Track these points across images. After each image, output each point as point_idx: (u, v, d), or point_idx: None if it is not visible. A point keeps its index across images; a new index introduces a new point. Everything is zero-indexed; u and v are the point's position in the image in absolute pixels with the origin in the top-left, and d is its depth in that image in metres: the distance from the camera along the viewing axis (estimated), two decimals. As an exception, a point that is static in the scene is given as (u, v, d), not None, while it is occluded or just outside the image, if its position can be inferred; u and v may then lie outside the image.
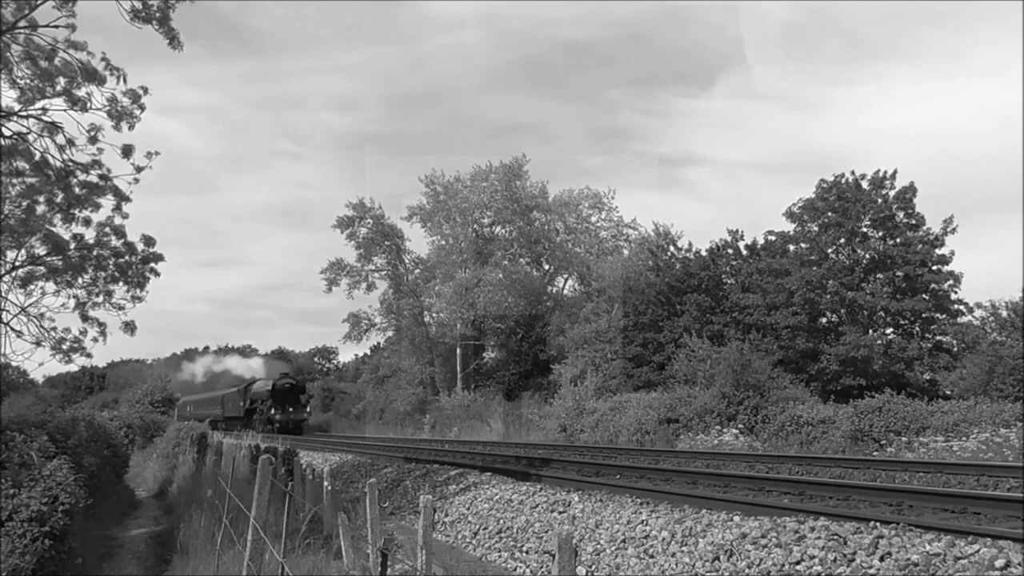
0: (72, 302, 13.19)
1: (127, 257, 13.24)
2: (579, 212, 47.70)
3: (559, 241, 47.95)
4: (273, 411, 45.51)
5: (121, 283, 13.32)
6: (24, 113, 11.44)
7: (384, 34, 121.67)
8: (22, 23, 10.82)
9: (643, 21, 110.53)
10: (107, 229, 12.99)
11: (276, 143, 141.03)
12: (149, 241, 13.49)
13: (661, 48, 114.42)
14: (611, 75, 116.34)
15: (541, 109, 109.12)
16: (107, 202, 12.71)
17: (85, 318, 13.29)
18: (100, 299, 13.34)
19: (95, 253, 12.99)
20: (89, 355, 13.46)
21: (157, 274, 13.69)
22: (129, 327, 13.47)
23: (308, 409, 48.29)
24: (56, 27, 10.89)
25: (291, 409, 46.12)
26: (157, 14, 10.88)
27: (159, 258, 13.67)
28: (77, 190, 12.23)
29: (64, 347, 13.16)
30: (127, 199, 12.71)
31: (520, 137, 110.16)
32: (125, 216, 12.96)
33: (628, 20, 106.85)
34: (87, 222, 12.74)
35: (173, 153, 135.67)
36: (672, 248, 37.50)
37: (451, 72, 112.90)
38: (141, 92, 11.92)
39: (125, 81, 11.45)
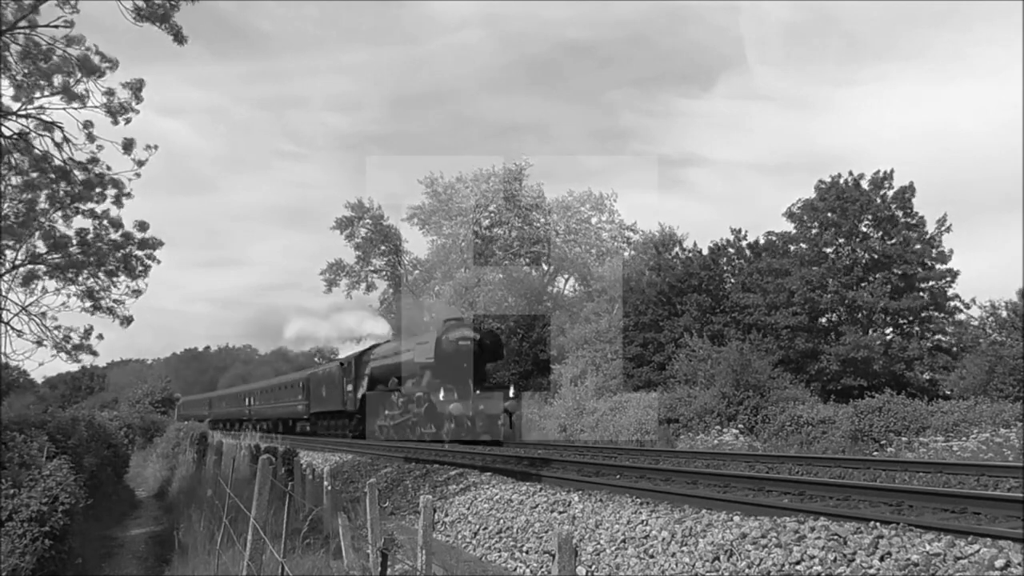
0: (74, 300, 13.20)
1: (126, 249, 13.21)
2: (580, 214, 47.68)
3: (559, 243, 47.92)
4: (443, 395, 23.25)
5: (121, 276, 13.29)
6: (23, 112, 11.44)
7: (386, 34, 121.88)
8: (22, 22, 10.83)
9: (644, 22, 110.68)
10: (105, 222, 12.98)
11: (277, 143, 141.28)
12: (143, 226, 13.41)
13: (662, 49, 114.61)
14: (612, 76, 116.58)
15: (542, 109, 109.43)
16: (107, 197, 12.73)
17: (98, 308, 13.26)
18: (101, 290, 13.35)
19: (97, 247, 12.98)
20: (95, 352, 13.47)
21: (158, 261, 13.65)
22: (127, 321, 13.48)
23: (512, 390, 24.75)
24: (56, 26, 10.90)
25: (478, 392, 23.91)
26: (160, 12, 10.86)
27: (158, 244, 13.60)
28: (78, 188, 12.24)
29: (69, 346, 13.16)
30: (128, 195, 12.72)
31: (521, 137, 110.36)
32: (121, 206, 12.94)
33: (629, 21, 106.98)
34: (92, 214, 12.74)
35: (174, 153, 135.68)
36: (678, 248, 37.53)
37: (453, 72, 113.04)
38: (138, 83, 11.92)
39: (117, 66, 11.45)
